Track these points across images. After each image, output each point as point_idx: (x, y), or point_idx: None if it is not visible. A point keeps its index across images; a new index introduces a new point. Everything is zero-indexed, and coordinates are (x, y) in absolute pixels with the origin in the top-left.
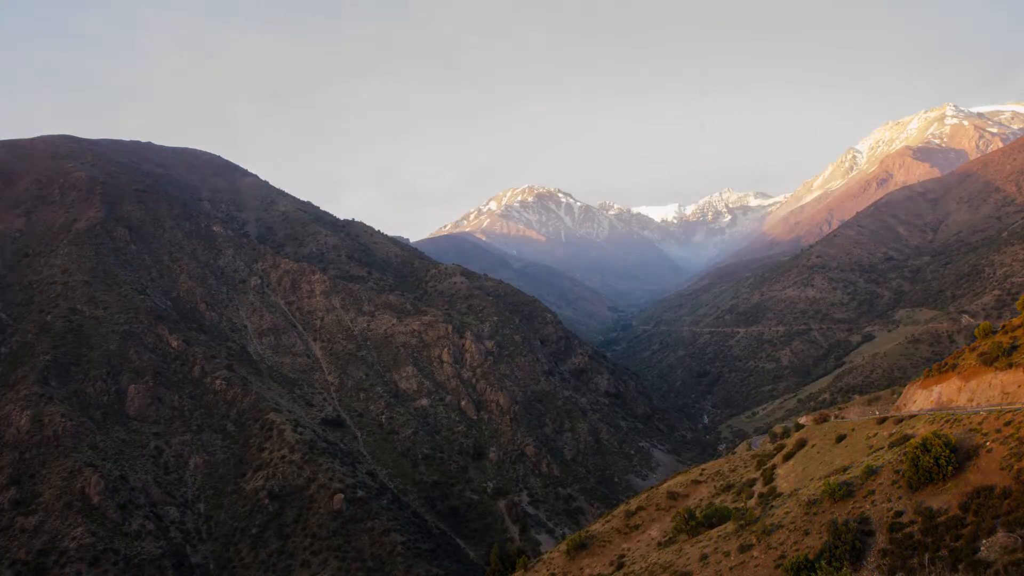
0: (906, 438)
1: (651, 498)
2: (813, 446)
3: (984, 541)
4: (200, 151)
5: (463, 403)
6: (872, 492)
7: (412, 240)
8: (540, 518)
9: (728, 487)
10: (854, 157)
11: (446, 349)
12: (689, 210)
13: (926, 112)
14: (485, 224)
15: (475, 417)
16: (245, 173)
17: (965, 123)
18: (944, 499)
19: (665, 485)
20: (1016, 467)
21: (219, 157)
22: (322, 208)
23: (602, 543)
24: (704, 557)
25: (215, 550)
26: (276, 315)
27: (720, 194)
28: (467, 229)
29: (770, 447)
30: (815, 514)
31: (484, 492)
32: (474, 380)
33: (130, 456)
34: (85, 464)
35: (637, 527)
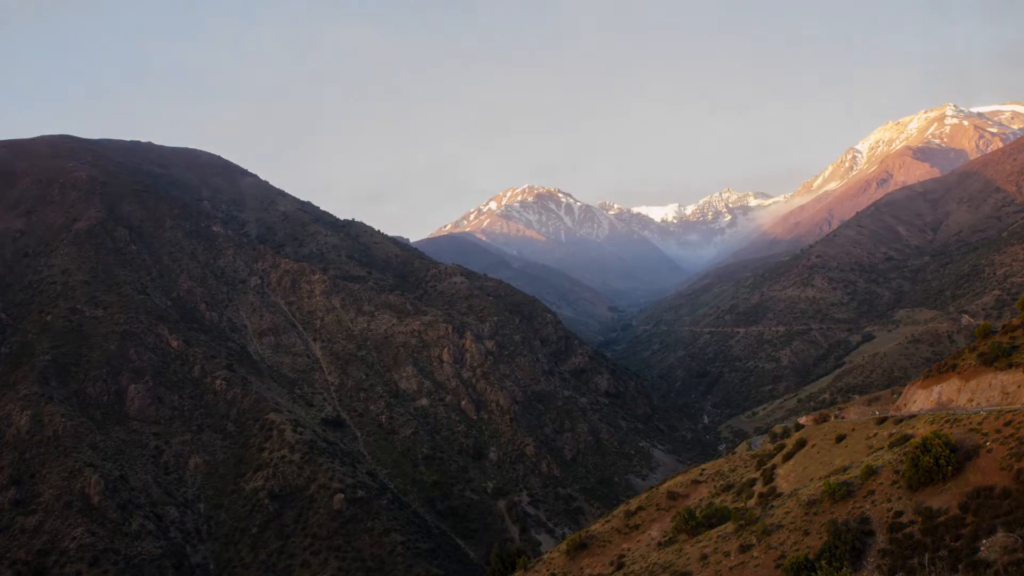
0: (906, 438)
1: (651, 498)
2: (813, 446)
3: (984, 541)
4: (200, 151)
5: (463, 403)
6: (872, 492)
7: (412, 240)
8: (540, 518)
9: (728, 487)
10: (854, 157)
11: (446, 349)
12: (689, 210)
13: (926, 112)
14: (485, 224)
15: (475, 417)
16: (245, 173)
17: (965, 123)
18: (944, 499)
19: (665, 485)
20: (1016, 467)
21: (219, 157)
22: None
23: (602, 543)
24: (704, 557)
25: (215, 550)
26: (276, 315)
27: (720, 194)
28: (467, 229)
29: (770, 447)
30: (815, 514)
31: (484, 492)
32: (474, 380)
33: (130, 456)
34: (85, 464)
35: (637, 527)
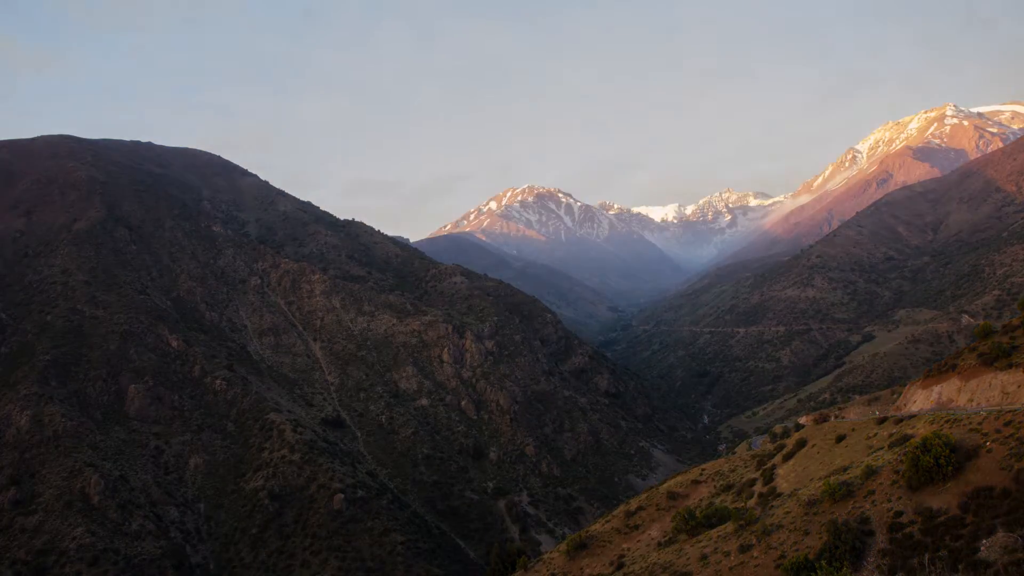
0: (906, 438)
1: (651, 498)
2: (813, 446)
3: (984, 541)
4: (200, 151)
5: (463, 403)
6: (872, 492)
7: (412, 240)
8: (540, 518)
9: (728, 487)
10: (854, 157)
11: (446, 349)
12: (689, 210)
13: (926, 112)
14: (485, 224)
15: (475, 417)
16: (245, 173)
17: (965, 123)
18: (944, 499)
19: (665, 485)
20: (1016, 467)
21: (219, 157)
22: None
23: (602, 543)
24: (704, 557)
25: (215, 550)
26: (276, 315)
27: (720, 194)
28: (467, 229)
29: (770, 447)
30: (815, 514)
31: (484, 492)
32: (474, 380)
33: (130, 456)
34: (85, 464)
35: (637, 527)
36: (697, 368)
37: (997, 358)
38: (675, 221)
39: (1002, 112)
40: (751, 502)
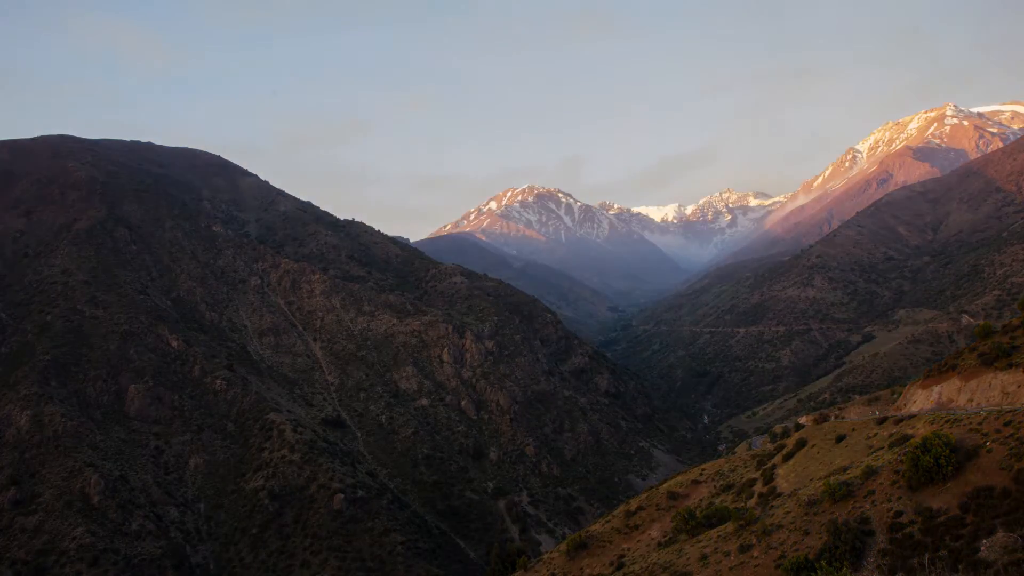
0: (906, 438)
1: (651, 498)
2: (813, 446)
3: (984, 541)
4: (200, 151)
5: (463, 403)
6: (872, 492)
7: (412, 240)
8: (540, 518)
9: (728, 487)
10: (854, 157)
11: (446, 349)
12: (689, 210)
13: (926, 112)
14: (485, 224)
15: (475, 417)
16: (245, 173)
17: (965, 123)
18: (944, 499)
19: (665, 485)
20: (1016, 467)
21: (219, 157)
22: None
23: (602, 543)
24: (704, 557)
25: (215, 550)
26: (276, 315)
27: (720, 194)
28: (467, 229)
29: (770, 447)
30: (815, 514)
31: (484, 492)
32: (474, 380)
33: (130, 456)
34: (85, 464)
35: (637, 527)
36: (697, 368)
37: (997, 358)
38: (675, 221)
39: (1002, 112)
40: (751, 502)
